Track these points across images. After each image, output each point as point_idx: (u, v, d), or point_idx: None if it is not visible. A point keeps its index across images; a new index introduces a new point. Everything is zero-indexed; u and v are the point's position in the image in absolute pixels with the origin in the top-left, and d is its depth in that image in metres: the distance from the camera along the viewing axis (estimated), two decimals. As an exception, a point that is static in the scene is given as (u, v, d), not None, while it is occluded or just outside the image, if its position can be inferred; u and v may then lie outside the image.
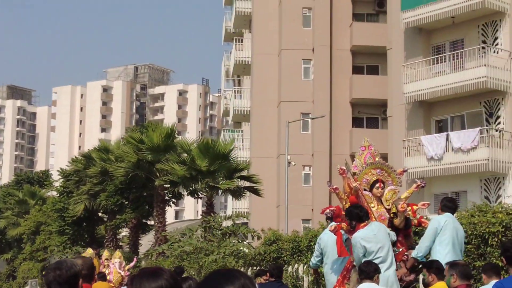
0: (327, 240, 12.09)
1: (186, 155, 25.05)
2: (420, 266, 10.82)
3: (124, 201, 37.87)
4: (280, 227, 38.08)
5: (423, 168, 30.83)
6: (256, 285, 3.19)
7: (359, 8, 45.89)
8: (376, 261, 9.91)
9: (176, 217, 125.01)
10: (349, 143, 43.93)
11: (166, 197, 28.76)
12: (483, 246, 11.02)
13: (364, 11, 46.03)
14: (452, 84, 30.49)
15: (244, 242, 20.46)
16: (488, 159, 28.83)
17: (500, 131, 29.61)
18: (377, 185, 11.01)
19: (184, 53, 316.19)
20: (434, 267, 8.82)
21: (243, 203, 47.78)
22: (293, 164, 40.10)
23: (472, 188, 30.48)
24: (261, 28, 47.21)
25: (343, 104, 44.34)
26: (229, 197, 45.62)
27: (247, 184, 26.85)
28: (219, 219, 22.69)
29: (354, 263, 10.38)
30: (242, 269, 19.35)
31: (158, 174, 27.77)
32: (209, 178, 24.30)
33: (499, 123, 30.05)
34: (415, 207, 11.67)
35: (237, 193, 25.38)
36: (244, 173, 26.85)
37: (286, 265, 19.06)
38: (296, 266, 18.73)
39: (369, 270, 9.10)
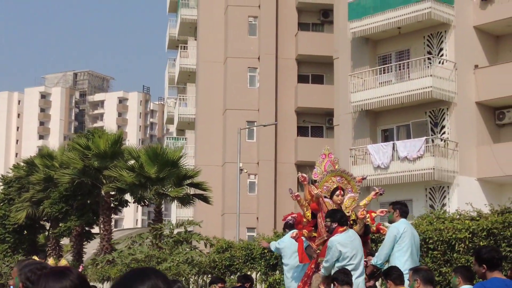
0: (285, 247, 12.17)
1: (134, 161, 24.69)
2: (379, 272, 10.95)
3: (69, 208, 37.17)
4: (225, 235, 37.96)
5: (370, 176, 31.06)
6: (170, 285, 3.18)
7: (304, 18, 46.22)
8: (349, 267, 10.05)
9: (116, 225, 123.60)
10: (294, 151, 44.14)
11: (112, 205, 28.32)
12: (449, 252, 11.11)
13: (310, 20, 46.38)
14: (398, 94, 30.87)
15: (197, 250, 20.31)
16: (433, 168, 29.25)
17: (445, 140, 30.08)
18: (338, 192, 11.15)
19: (125, 61, 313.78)
20: (392, 274, 8.92)
21: (187, 211, 47.51)
22: (245, 171, 40.04)
23: (418, 196, 30.85)
24: (207, 35, 47.11)
25: (288, 113, 44.53)
26: (173, 205, 45.31)
27: (195, 191, 26.66)
28: (171, 227, 22.49)
29: (324, 264, 10.42)
30: (196, 277, 19.23)
31: (104, 181, 27.36)
32: (158, 185, 24.02)
33: (444, 132, 30.54)
34: (373, 214, 11.83)
35: (186, 201, 25.16)
36: (192, 180, 26.68)
37: (238, 273, 18.98)
38: (249, 274, 18.66)
39: (348, 279, 9.24)
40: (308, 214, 11.26)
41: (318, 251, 11.05)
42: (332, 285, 9.61)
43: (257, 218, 43.94)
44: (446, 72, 30.38)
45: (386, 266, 10.38)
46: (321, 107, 44.01)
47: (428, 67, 30.68)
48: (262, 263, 17.96)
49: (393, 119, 32.27)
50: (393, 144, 30.65)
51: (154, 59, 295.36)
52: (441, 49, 31.15)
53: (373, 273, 11.09)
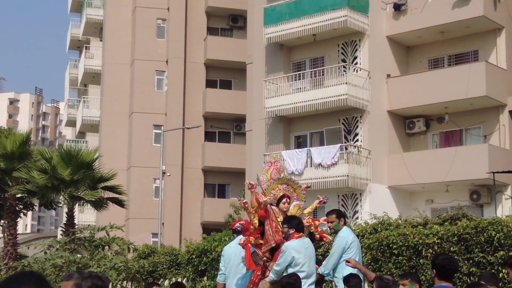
0: (231, 253, 11.83)
1: (46, 163, 23.66)
2: (323, 280, 10.97)
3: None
4: (130, 240, 37.06)
5: (283, 182, 31.04)
6: None
7: (213, 22, 45.94)
8: (301, 274, 9.94)
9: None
10: (201, 156, 43.71)
11: (17, 208, 27.09)
12: (415, 258, 10.96)
13: (219, 25, 46.14)
14: (312, 101, 30.94)
15: (120, 256, 19.60)
16: (347, 175, 29.45)
17: (358, 148, 30.35)
18: (284, 200, 11.08)
19: (17, 61, 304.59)
20: (350, 281, 9.00)
21: (89, 216, 46.28)
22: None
23: (330, 203, 30.95)
24: (113, 36, 46.09)
25: (196, 118, 44.07)
26: (76, 209, 43.94)
27: (108, 195, 25.82)
28: (92, 231, 21.67)
29: (275, 268, 10.30)
30: (124, 283, 18.51)
31: (10, 183, 26.12)
32: (72, 188, 23.10)
33: (357, 140, 30.82)
34: (317, 222, 11.73)
35: (100, 204, 24.34)
36: (107, 183, 25.85)
37: (162, 279, 18.43)
38: (173, 279, 18.13)
39: (297, 284, 9.10)
40: (255, 221, 11.10)
41: (265, 258, 10.97)
42: None
43: (163, 223, 43.19)
44: (360, 80, 30.69)
45: (331, 274, 10.56)
46: (229, 112, 43.80)
47: (342, 75, 30.91)
48: (190, 269, 17.46)
49: (306, 126, 32.34)
50: (308, 150, 30.69)
51: (50, 60, 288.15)
52: (355, 57, 31.46)
53: (318, 282, 11.07)
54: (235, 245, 11.70)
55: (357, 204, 30.22)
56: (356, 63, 31.19)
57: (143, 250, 19.97)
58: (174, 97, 43.78)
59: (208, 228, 44.06)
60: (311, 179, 30.17)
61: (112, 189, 24.41)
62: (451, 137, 31.66)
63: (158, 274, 18.65)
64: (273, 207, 11.10)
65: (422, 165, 30.28)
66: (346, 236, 10.50)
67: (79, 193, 23.59)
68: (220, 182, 44.63)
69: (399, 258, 10.71)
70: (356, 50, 31.51)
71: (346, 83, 30.01)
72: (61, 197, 23.95)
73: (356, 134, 30.93)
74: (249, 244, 11.13)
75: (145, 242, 36.23)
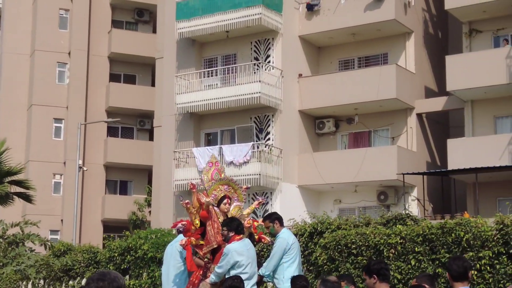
0: (169, 252, 11.70)
1: None
2: (263, 279, 10.96)
3: None
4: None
5: (194, 180, 30.55)
6: None
7: (118, 16, 44.94)
8: (244, 276, 10.00)
9: None
10: (104, 152, 42.65)
11: None
12: (375, 258, 10.80)
13: (124, 19, 45.19)
14: (224, 98, 30.61)
15: (34, 253, 18.69)
16: (259, 174, 29.29)
17: (269, 147, 30.25)
18: (225, 201, 11.13)
19: None
20: (297, 286, 9.01)
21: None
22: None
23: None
24: (12, 25, 44.26)
25: (98, 112, 42.95)
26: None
27: (15, 189, 24.63)
28: (4, 227, 20.58)
29: (217, 270, 10.29)
30: (42, 281, 17.64)
31: None
32: (-24, 182, 21.88)
33: (269, 139, 30.72)
34: (256, 223, 11.76)
35: (5, 200, 23.14)
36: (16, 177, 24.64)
37: (79, 277, 17.70)
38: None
39: (241, 286, 9.13)
40: (197, 221, 11.07)
41: (206, 259, 10.95)
42: None
43: (62, 220, 41.89)
44: (273, 79, 30.61)
45: (271, 275, 10.71)
46: (133, 107, 42.93)
47: (255, 73, 30.73)
48: (111, 267, 16.81)
49: (217, 123, 32.00)
50: (220, 148, 30.36)
51: None
52: (268, 56, 31.35)
53: (258, 283, 11.02)
54: (175, 243, 11.57)
55: (267, 203, 30.11)
56: (269, 62, 31.09)
57: (58, 247, 19.15)
58: (76, 90, 42.49)
59: (109, 226, 43.10)
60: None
61: (19, 183, 23.29)
62: (360, 138, 32.05)
63: (75, 273, 17.89)
64: (215, 208, 11.12)
65: (332, 165, 30.50)
66: (287, 238, 10.58)
67: (-16, 188, 22.36)
68: (122, 179, 43.66)
69: (358, 258, 10.56)
70: (269, 48, 31.41)
71: (259, 81, 29.84)
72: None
73: (268, 133, 30.83)
74: (190, 245, 11.06)
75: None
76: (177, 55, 33.00)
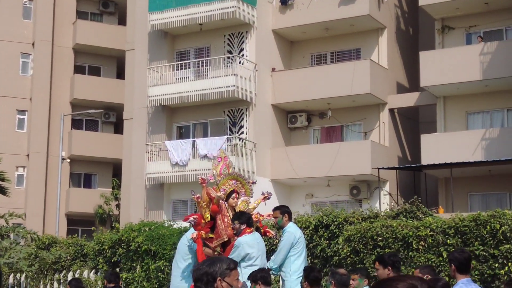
0: (179, 246, 11.68)
1: None
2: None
3: None
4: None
5: (166, 174, 30.38)
6: None
7: (83, 6, 44.28)
8: (254, 268, 10.04)
9: None
10: (68, 145, 42.03)
11: None
12: (403, 250, 10.77)
13: (88, 9, 44.53)
14: (197, 91, 30.39)
15: (20, 245, 18.25)
16: (234, 168, 29.06)
17: (243, 140, 30.15)
18: (233, 195, 11.28)
19: None
20: (310, 277, 9.16)
21: None
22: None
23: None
24: (-26, 15, 43.26)
25: (63, 104, 42.29)
26: None
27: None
28: (-11, 220, 20.10)
29: None
30: (35, 275, 17.24)
31: None
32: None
33: (242, 132, 30.61)
34: (261, 218, 11.83)
35: (-21, 192, 22.61)
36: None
37: (65, 270, 17.37)
38: (79, 271, 17.13)
39: (269, 279, 9.22)
40: (207, 215, 11.17)
41: (216, 252, 11.01)
42: (252, 284, 9.28)
43: (25, 214, 41.07)
44: (247, 72, 30.50)
45: (278, 269, 10.87)
46: (98, 100, 42.34)
47: (228, 66, 30.59)
48: (100, 260, 16.53)
49: (190, 116, 31.78)
50: (193, 141, 30.14)
51: None
52: (241, 49, 31.23)
53: None
54: (185, 235, 11.60)
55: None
56: (242, 55, 30.97)
57: (43, 240, 18.77)
58: (40, 81, 41.76)
59: (73, 220, 42.52)
60: (195, 170, 29.69)
61: (-7, 175, 22.77)
62: (332, 132, 32.16)
63: (61, 266, 17.56)
64: (224, 202, 11.20)
65: (305, 159, 30.54)
66: (294, 232, 10.78)
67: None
68: (86, 172, 43.09)
69: (385, 250, 10.54)
70: (243, 42, 31.28)
71: (234, 74, 29.71)
72: None
73: (241, 127, 30.72)
74: (200, 239, 11.12)
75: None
76: (149, 47, 32.66)
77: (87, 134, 42.60)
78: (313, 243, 13.19)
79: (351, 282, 8.89)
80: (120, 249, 15.83)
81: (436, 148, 28.50)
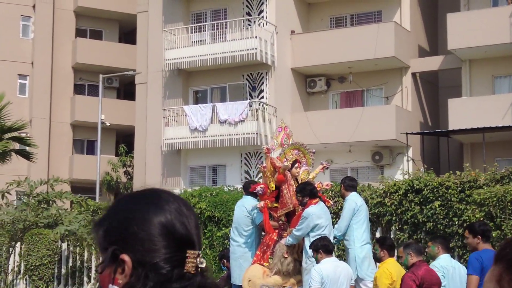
0: (238, 216, 11.75)
1: None
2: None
3: None
4: None
5: (185, 139, 29.52)
6: None
7: (83, -33, 42.88)
8: None
9: None
10: (70, 110, 40.97)
11: None
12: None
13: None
14: (214, 55, 29.47)
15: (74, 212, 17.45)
16: (256, 133, 28.41)
17: (264, 105, 29.34)
18: (296, 165, 11.44)
19: None
20: (387, 244, 9.52)
21: None
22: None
23: (232, 161, 29.92)
24: (-30, -24, 41.77)
25: (65, 69, 41.13)
26: None
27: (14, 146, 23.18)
28: (33, 184, 19.23)
29: (295, 233, 10.55)
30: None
31: None
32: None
33: (262, 97, 29.79)
34: (319, 186, 11.86)
35: (2, 157, 21.68)
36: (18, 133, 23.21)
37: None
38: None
39: (331, 248, 9.62)
40: (272, 185, 11.31)
41: (281, 221, 11.19)
42: (314, 253, 9.66)
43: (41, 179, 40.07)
44: (268, 35, 29.60)
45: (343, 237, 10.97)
46: (101, 64, 41.20)
47: (247, 28, 29.66)
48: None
49: (207, 80, 30.86)
50: (213, 106, 29.27)
51: None
52: (261, 11, 30.28)
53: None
54: (242, 205, 11.71)
55: (262, 162, 29.23)
56: (262, 17, 30.03)
57: (86, 207, 17.96)
58: (41, 45, 40.50)
59: (76, 187, 41.52)
60: (215, 135, 28.91)
61: (19, 140, 21.85)
62: (352, 97, 31.43)
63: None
64: (288, 172, 11.35)
65: (325, 124, 29.80)
66: (355, 200, 10.94)
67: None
68: (89, 138, 42.05)
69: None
70: (262, 3, 30.32)
71: (256, 37, 28.78)
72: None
73: (261, 91, 29.89)
74: (266, 208, 11.29)
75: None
76: (163, 9, 31.59)
77: (89, 99, 41.45)
78: (401, 208, 12.56)
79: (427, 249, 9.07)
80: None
81: (463, 113, 27.87)
